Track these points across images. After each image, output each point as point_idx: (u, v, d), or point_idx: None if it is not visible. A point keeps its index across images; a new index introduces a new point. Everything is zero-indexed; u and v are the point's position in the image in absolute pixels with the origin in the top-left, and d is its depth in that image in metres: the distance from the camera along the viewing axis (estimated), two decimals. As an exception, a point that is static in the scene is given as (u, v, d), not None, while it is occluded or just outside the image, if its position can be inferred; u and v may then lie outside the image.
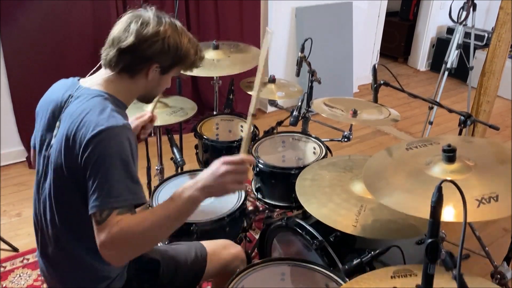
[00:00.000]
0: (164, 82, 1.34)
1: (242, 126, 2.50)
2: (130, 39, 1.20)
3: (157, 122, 2.05)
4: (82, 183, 1.13)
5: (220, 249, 1.54)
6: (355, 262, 1.46)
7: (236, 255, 1.55)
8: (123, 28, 1.22)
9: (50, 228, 1.26)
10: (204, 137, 2.29)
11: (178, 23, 1.28)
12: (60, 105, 1.24)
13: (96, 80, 1.27)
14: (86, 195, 1.12)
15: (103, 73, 1.28)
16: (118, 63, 1.23)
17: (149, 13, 1.24)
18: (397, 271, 1.17)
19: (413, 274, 1.17)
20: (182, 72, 1.37)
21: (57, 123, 1.23)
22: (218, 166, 1.15)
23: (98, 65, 1.30)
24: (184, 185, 1.16)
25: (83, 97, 1.22)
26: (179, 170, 2.18)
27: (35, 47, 3.01)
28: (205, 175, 1.15)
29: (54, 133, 1.23)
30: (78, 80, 1.30)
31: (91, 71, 1.32)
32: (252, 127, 2.36)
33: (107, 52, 1.24)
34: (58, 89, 1.30)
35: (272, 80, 2.42)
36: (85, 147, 1.11)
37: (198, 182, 1.14)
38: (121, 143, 1.13)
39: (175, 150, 2.18)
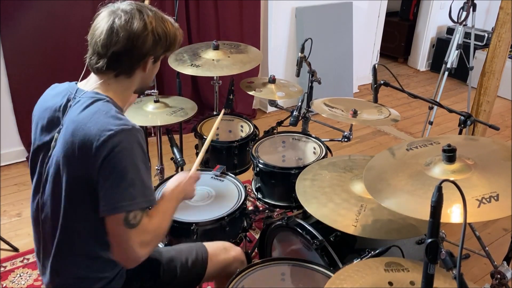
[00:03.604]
0: (156, 69, 1.34)
1: (242, 126, 2.50)
2: (122, 41, 1.16)
3: (157, 122, 2.06)
4: (94, 185, 1.13)
5: (220, 250, 1.54)
6: (355, 262, 1.46)
7: (236, 257, 1.55)
8: (108, 30, 1.15)
9: (50, 230, 1.25)
10: (204, 137, 2.29)
11: (153, 8, 1.25)
12: (59, 111, 1.22)
13: (95, 83, 1.24)
14: (97, 196, 1.13)
15: (100, 77, 1.24)
16: (114, 68, 1.20)
17: (124, 5, 1.19)
18: (389, 264, 1.21)
19: (405, 269, 1.18)
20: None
21: (59, 129, 1.20)
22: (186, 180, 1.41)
23: (86, 67, 1.26)
24: (168, 189, 1.36)
25: (83, 100, 1.19)
26: (179, 170, 2.18)
27: (35, 47, 3.01)
28: (180, 182, 1.40)
29: (55, 137, 1.20)
30: (76, 83, 1.27)
31: (82, 75, 1.28)
32: (251, 129, 2.37)
33: (96, 59, 1.19)
34: (53, 96, 1.27)
35: (272, 80, 2.41)
36: (99, 150, 1.10)
37: (178, 186, 1.38)
38: (134, 145, 1.13)
39: (175, 150, 2.19)
